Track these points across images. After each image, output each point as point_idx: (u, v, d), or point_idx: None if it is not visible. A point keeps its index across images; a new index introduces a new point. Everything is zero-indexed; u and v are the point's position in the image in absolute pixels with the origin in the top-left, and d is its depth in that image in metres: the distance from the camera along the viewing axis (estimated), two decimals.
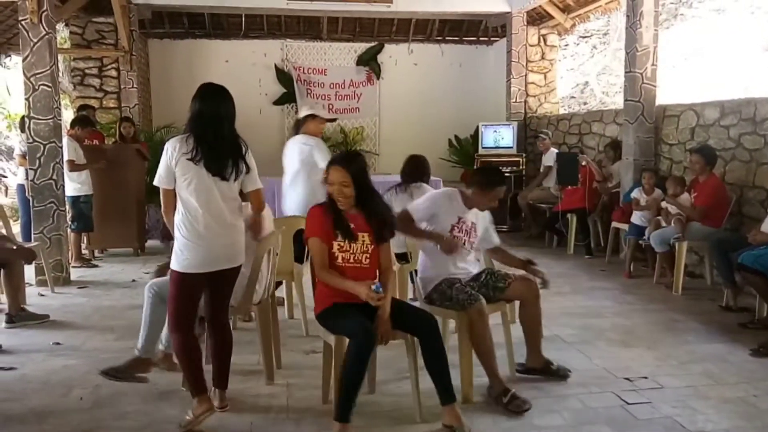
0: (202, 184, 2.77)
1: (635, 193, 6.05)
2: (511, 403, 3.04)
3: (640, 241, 5.85)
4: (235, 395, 3.18)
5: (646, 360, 3.74)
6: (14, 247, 4.61)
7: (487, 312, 3.18)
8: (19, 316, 4.41)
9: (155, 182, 2.88)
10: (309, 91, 10.55)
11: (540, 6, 9.26)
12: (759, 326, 4.23)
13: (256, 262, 3.25)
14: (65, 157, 5.94)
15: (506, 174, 8.59)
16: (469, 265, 3.52)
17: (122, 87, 9.23)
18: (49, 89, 5.54)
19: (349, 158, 2.94)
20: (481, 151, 8.93)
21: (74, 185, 6.34)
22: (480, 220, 3.55)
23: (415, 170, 4.56)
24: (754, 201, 5.23)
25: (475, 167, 8.30)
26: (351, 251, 2.88)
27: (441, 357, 2.80)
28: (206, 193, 2.78)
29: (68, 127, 6.75)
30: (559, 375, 3.44)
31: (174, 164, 2.78)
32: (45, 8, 5.44)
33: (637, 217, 5.94)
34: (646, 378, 3.44)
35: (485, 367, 3.16)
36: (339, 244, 2.87)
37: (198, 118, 2.79)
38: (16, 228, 7.04)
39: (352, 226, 2.88)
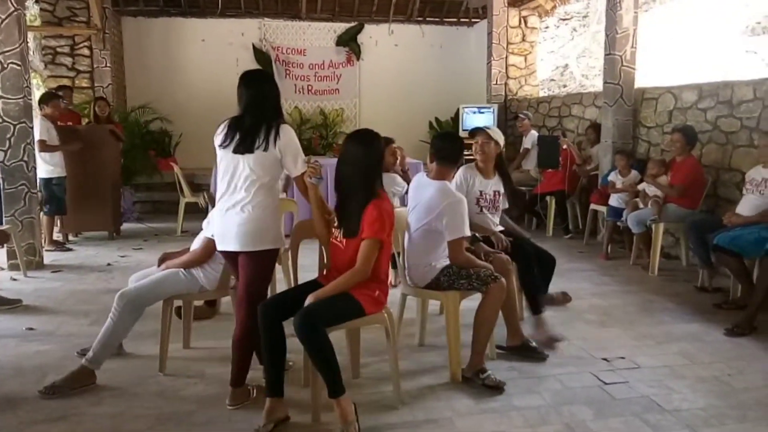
0: (228, 161, 2.81)
1: (612, 176, 6.10)
2: (488, 379, 3.11)
3: (618, 223, 5.91)
4: (215, 379, 3.15)
5: (623, 340, 3.79)
6: None
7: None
8: None
9: None
10: (288, 72, 10.42)
11: None
12: (733, 306, 4.30)
13: None
14: (36, 138, 5.79)
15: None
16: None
17: (95, 66, 9.03)
18: (19, 68, 5.37)
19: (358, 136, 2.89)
20: (461, 133, 8.90)
21: (46, 167, 6.19)
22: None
23: None
24: (729, 183, 5.29)
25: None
26: (337, 229, 2.90)
27: (316, 357, 2.62)
28: (231, 170, 2.80)
29: (38, 108, 6.56)
30: (538, 352, 3.49)
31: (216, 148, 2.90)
32: None
33: (614, 200, 6.00)
34: (623, 358, 3.49)
35: (481, 342, 3.19)
36: (335, 222, 2.92)
37: (239, 105, 2.86)
38: None
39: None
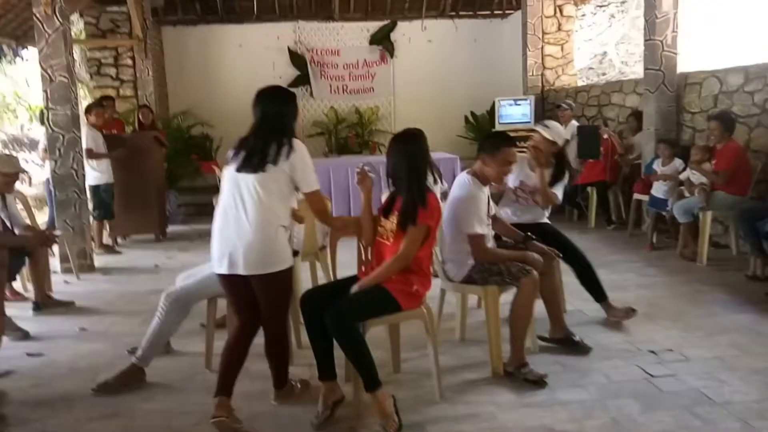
0: (232, 179, 2.70)
1: (655, 166, 5.94)
2: (531, 373, 3.08)
3: (663, 212, 5.76)
4: (260, 375, 3.20)
5: (670, 332, 3.69)
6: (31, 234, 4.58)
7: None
8: (45, 304, 4.50)
9: None
10: (323, 73, 10.51)
11: None
12: None
13: None
14: (84, 146, 6.00)
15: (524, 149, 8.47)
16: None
17: (138, 75, 9.28)
18: (66, 80, 5.58)
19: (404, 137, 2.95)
20: (498, 126, 8.81)
21: (94, 174, 6.40)
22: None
23: None
24: None
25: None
26: (383, 227, 2.95)
27: (349, 353, 2.69)
28: (231, 187, 2.69)
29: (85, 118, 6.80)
30: (581, 346, 3.43)
31: None
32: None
33: (657, 190, 5.84)
34: (671, 350, 3.40)
35: (519, 337, 3.16)
36: (381, 219, 2.97)
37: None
38: (43, 217, 7.16)
39: (394, 204, 2.92)
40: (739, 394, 2.87)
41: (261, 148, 2.66)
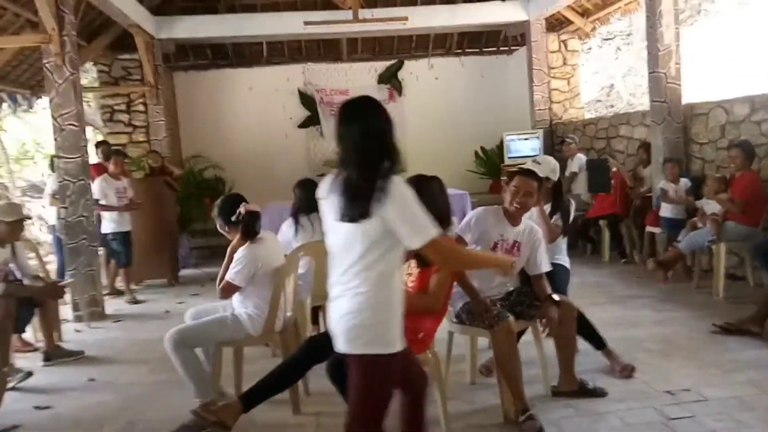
0: (330, 230, 2.16)
1: (662, 184, 5.93)
2: (525, 423, 2.95)
3: (674, 243, 5.67)
4: (260, 428, 3.15)
5: (687, 370, 3.59)
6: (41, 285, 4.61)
7: (515, 330, 3.10)
8: (54, 354, 4.49)
9: None
10: (332, 113, 10.63)
11: (558, 12, 9.16)
12: None
13: (276, 289, 3.25)
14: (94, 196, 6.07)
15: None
16: (505, 285, 3.43)
17: (150, 121, 9.45)
18: (76, 128, 5.69)
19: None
20: (507, 161, 8.83)
21: (104, 222, 6.45)
22: (526, 241, 3.36)
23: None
24: None
25: (501, 178, 8.31)
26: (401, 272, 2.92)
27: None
28: (335, 241, 2.14)
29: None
30: (597, 394, 3.31)
31: None
32: (68, 50, 5.61)
33: (667, 210, 5.82)
34: (688, 390, 3.30)
35: (510, 387, 3.05)
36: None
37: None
38: (52, 264, 7.22)
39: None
40: None
41: (356, 188, 2.02)
